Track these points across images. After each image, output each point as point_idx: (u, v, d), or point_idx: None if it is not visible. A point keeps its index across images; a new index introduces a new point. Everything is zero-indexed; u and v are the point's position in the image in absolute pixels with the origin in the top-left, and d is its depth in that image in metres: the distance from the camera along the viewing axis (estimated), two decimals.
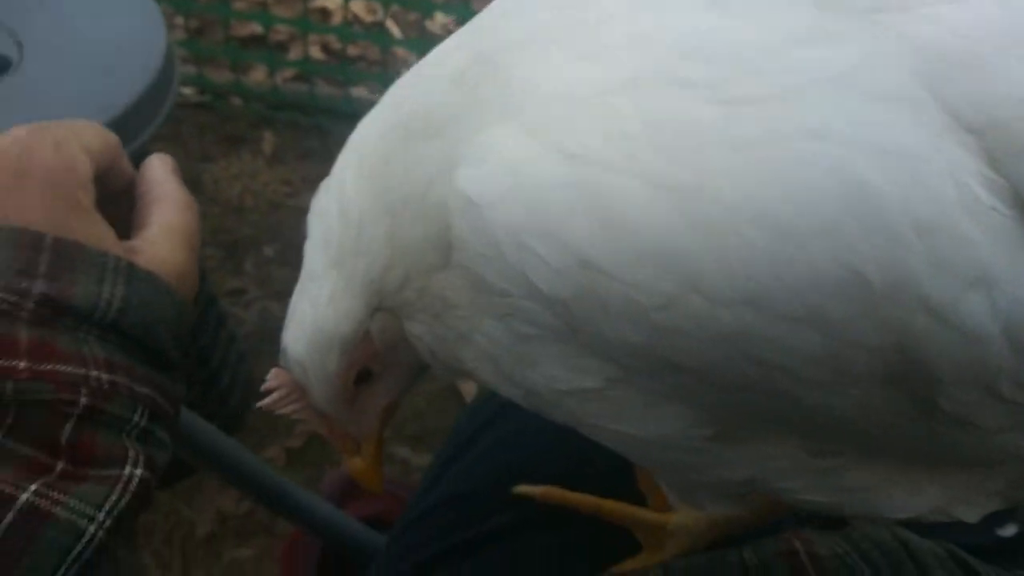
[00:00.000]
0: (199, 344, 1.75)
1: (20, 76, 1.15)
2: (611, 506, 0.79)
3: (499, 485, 0.84)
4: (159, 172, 0.67)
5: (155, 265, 0.60)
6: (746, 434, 0.50)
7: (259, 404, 0.58)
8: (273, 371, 0.59)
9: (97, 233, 0.58)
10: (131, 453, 0.54)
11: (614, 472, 0.83)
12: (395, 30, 2.82)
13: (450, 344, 0.54)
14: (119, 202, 0.66)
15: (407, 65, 2.89)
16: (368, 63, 2.82)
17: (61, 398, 0.51)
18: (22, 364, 0.51)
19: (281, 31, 2.79)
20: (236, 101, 2.73)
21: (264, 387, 0.58)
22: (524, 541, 0.81)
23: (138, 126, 1.14)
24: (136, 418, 0.55)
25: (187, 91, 2.67)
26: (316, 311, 0.56)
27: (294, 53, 2.77)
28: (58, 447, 0.51)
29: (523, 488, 0.82)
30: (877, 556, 0.71)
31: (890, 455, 0.52)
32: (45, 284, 0.54)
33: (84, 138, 0.61)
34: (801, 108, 0.43)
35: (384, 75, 2.61)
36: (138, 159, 1.07)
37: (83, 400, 0.52)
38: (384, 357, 0.57)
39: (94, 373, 0.54)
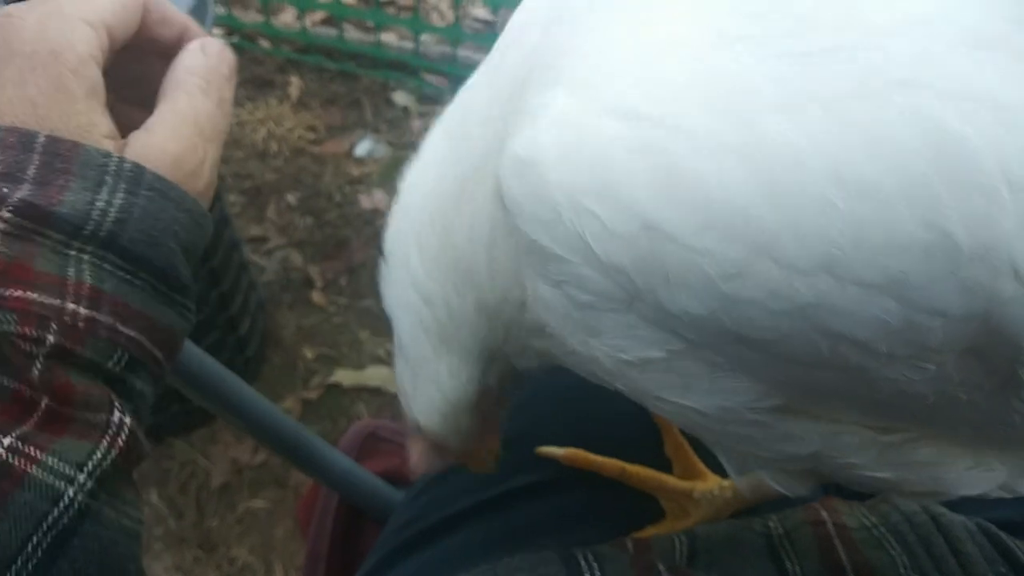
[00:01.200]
0: (220, 289, 1.75)
1: None
2: (635, 471, 0.79)
3: (523, 445, 0.83)
4: (194, 61, 0.57)
5: (147, 155, 0.52)
6: (812, 408, 0.49)
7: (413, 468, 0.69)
8: (410, 440, 0.68)
9: (85, 125, 0.50)
10: (115, 399, 0.48)
11: (639, 437, 0.82)
12: None
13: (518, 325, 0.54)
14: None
15: (438, 12, 2.86)
16: (399, 8, 2.78)
17: (24, 333, 0.45)
18: None
19: None
20: (264, 43, 2.70)
21: (411, 464, 0.68)
22: (547, 502, 0.80)
23: None
24: (110, 365, 0.48)
25: (216, 32, 2.65)
26: (441, 387, 0.59)
27: None
28: (33, 384, 0.45)
29: (546, 449, 0.81)
30: (906, 529, 0.70)
31: (960, 431, 0.50)
32: (29, 192, 0.47)
33: (87, 4, 0.52)
34: (884, 57, 0.40)
35: (415, 21, 2.57)
36: None
37: (50, 338, 0.45)
38: (500, 393, 0.62)
39: (70, 306, 0.46)
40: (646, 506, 0.80)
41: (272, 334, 2.12)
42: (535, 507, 0.81)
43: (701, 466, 0.79)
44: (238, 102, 2.48)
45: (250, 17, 2.67)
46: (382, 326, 2.08)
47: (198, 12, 1.19)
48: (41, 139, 0.49)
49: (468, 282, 0.54)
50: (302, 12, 2.65)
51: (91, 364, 0.47)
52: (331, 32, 2.66)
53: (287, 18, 2.72)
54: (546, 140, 0.44)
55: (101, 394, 0.47)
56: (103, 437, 0.46)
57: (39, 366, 0.45)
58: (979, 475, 0.52)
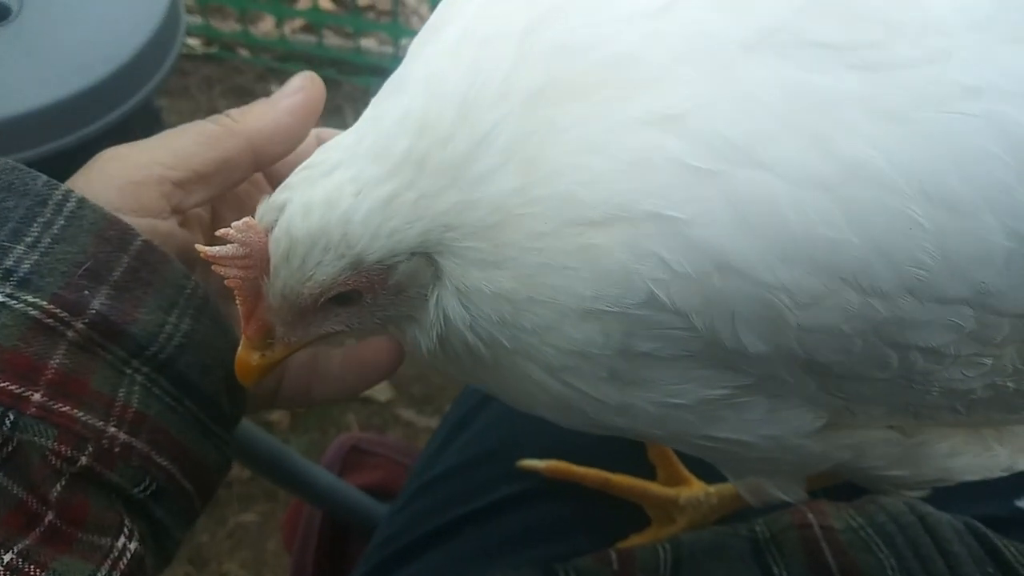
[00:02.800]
0: None
1: (20, 24, 1.12)
2: (619, 480, 0.78)
3: (507, 455, 0.82)
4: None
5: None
6: (855, 422, 0.48)
7: (199, 246, 0.47)
8: (244, 222, 0.46)
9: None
10: (126, 523, 0.48)
11: (623, 444, 0.81)
12: None
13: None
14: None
15: (418, 16, 2.85)
16: (378, 13, 2.77)
17: (59, 450, 0.45)
18: (37, 396, 0.45)
19: None
20: (243, 52, 2.69)
21: (220, 232, 0.46)
22: (531, 513, 0.80)
23: (142, 77, 1.10)
24: (135, 491, 0.48)
25: (194, 42, 2.63)
26: (363, 204, 0.44)
27: (303, 2, 2.72)
28: (47, 499, 0.45)
29: (528, 462, 0.80)
30: (894, 530, 0.70)
31: (993, 418, 0.51)
32: (107, 299, 0.48)
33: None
34: (950, 65, 0.39)
35: (394, 26, 2.56)
36: (142, 112, 1.03)
37: (83, 460, 0.46)
38: (381, 295, 0.48)
39: (111, 429, 0.47)
40: (632, 512, 0.79)
41: None
42: (520, 518, 0.80)
43: (685, 472, 0.79)
44: (217, 112, 2.47)
45: (229, 26, 2.66)
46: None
47: (171, 20, 1.18)
48: (138, 243, 0.50)
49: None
50: (281, 20, 2.64)
51: (116, 488, 0.48)
52: (311, 39, 2.65)
53: (266, 27, 2.71)
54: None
55: (113, 518, 0.48)
56: (104, 560, 0.46)
57: (62, 484, 0.45)
58: (984, 462, 0.54)
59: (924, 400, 0.46)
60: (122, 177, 0.52)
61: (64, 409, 0.45)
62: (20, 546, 0.43)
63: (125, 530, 0.47)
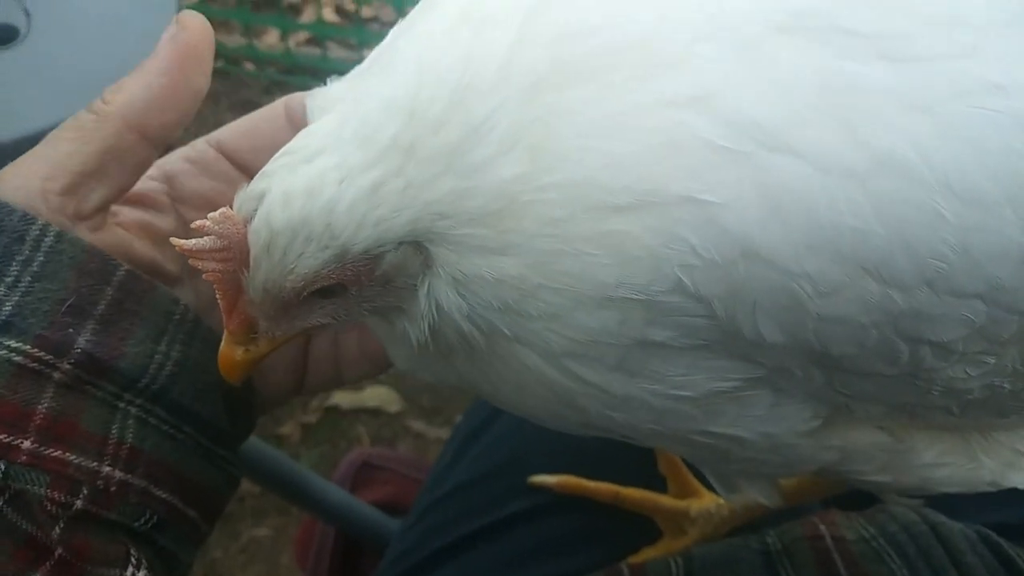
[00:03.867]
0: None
1: (28, 45, 1.13)
2: (630, 494, 0.78)
3: (517, 469, 0.82)
4: None
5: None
6: (847, 420, 0.48)
7: (175, 239, 0.44)
8: (220, 213, 0.44)
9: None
10: (132, 553, 0.48)
11: (632, 457, 0.81)
12: None
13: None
14: None
15: None
16: (382, 24, 2.78)
17: (53, 497, 0.44)
18: (27, 443, 0.44)
19: None
20: (249, 66, 2.70)
21: (196, 224, 0.44)
22: (543, 527, 0.80)
23: None
24: (136, 525, 0.48)
25: None
26: (348, 192, 0.42)
27: (307, 15, 2.73)
28: (51, 538, 0.44)
29: (539, 478, 0.80)
30: (905, 539, 0.70)
31: (983, 420, 0.51)
32: (93, 335, 0.46)
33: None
34: (978, 61, 0.39)
35: None
36: None
37: (78, 503, 0.45)
38: (368, 287, 0.46)
39: (106, 469, 0.46)
40: (644, 525, 0.79)
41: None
42: (532, 533, 0.80)
43: (696, 484, 0.79)
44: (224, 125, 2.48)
45: (233, 41, 2.67)
46: None
47: None
48: (120, 274, 0.48)
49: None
50: (285, 33, 2.65)
51: (116, 524, 0.47)
52: (315, 52, 2.66)
53: (271, 40, 2.72)
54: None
55: (119, 550, 0.47)
56: None
57: (60, 526, 0.44)
58: (967, 474, 0.53)
59: (923, 400, 0.46)
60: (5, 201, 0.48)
61: (55, 454, 0.45)
62: None
63: (132, 559, 0.47)
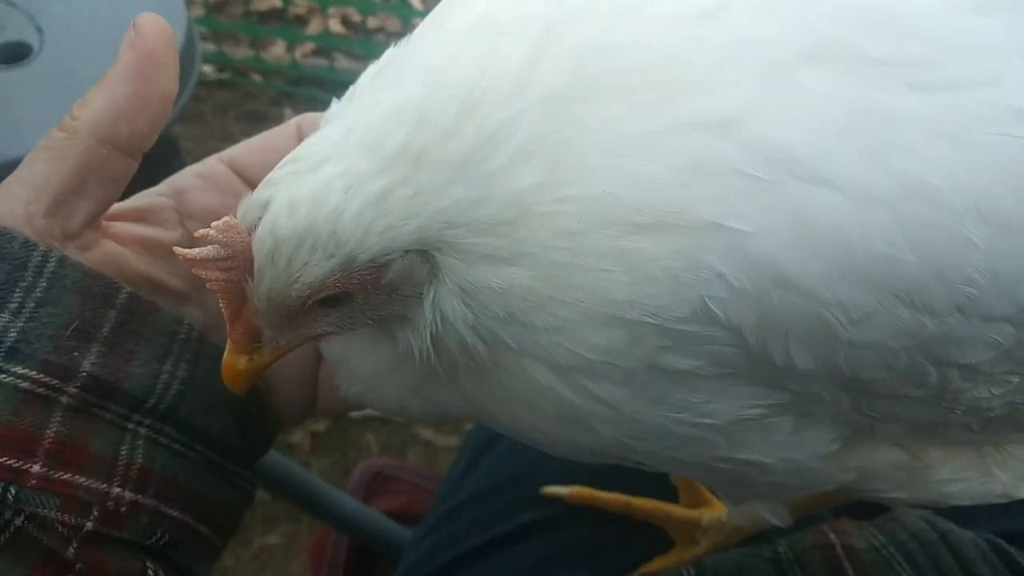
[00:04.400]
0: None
1: (41, 62, 1.14)
2: (642, 504, 0.78)
3: (529, 480, 0.83)
4: None
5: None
6: (868, 440, 0.49)
7: (176, 248, 0.44)
8: (224, 221, 0.43)
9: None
10: (149, 567, 0.48)
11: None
12: (415, 0, 2.78)
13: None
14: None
15: None
16: (388, 35, 2.79)
17: (64, 520, 0.45)
18: (36, 467, 0.44)
19: (300, 4, 2.77)
20: (256, 78, 2.71)
21: (199, 233, 0.43)
22: (555, 538, 0.80)
23: None
24: (149, 543, 0.49)
25: (207, 68, 2.66)
26: (354, 200, 0.42)
27: (314, 27, 2.75)
28: (67, 556, 0.45)
29: (551, 489, 0.81)
30: (915, 548, 0.70)
31: (1000, 436, 0.52)
32: (98, 358, 0.47)
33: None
34: (1003, 89, 0.40)
35: None
36: (160, 142, 1.05)
37: (88, 525, 0.45)
38: (373, 295, 0.45)
39: (116, 490, 0.47)
40: (655, 536, 0.80)
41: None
42: (545, 543, 0.80)
43: (708, 494, 0.79)
44: (232, 137, 2.49)
45: (241, 52, 2.69)
46: None
47: (188, 52, 1.20)
48: (123, 296, 0.49)
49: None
50: (292, 45, 2.66)
51: (129, 543, 0.48)
52: (322, 63, 2.67)
53: (278, 51, 2.73)
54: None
55: (135, 564, 0.48)
56: None
57: (73, 547, 0.45)
58: (980, 488, 0.54)
59: (946, 418, 0.47)
60: None
61: (65, 477, 0.45)
62: None
63: (150, 573, 0.48)
